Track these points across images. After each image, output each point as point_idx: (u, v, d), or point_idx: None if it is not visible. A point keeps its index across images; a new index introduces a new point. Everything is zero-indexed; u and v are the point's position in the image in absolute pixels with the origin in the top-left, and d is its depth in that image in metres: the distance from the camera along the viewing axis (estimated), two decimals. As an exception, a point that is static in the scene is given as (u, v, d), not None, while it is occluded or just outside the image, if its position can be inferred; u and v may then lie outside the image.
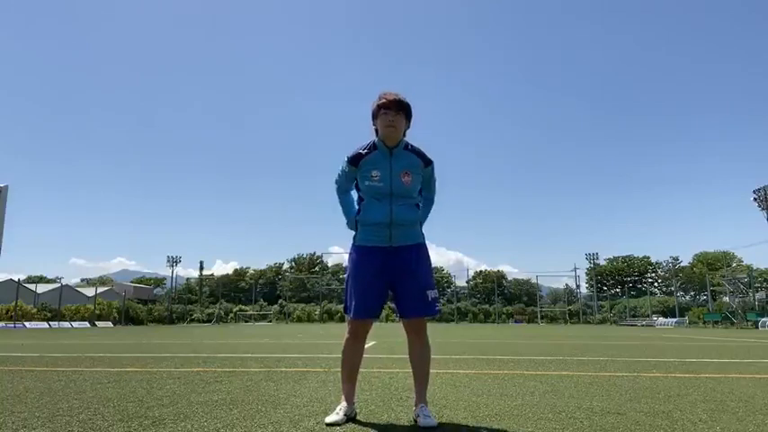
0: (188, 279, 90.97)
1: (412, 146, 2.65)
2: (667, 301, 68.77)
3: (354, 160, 2.60)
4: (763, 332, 26.99)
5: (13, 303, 42.87)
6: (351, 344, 2.64)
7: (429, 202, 2.81)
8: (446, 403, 3.05)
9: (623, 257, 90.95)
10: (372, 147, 2.61)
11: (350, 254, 2.66)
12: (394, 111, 2.54)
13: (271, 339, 13.54)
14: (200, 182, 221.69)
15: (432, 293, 2.56)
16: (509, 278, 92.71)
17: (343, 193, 2.74)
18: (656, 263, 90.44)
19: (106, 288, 68.44)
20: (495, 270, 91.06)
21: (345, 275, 2.70)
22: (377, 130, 2.62)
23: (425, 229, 2.77)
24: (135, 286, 79.28)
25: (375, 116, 2.60)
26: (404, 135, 2.63)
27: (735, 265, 74.36)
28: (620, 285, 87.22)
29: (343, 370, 2.65)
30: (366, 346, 2.75)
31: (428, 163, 2.65)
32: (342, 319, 64.41)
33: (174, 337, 15.08)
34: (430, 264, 2.66)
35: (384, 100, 2.56)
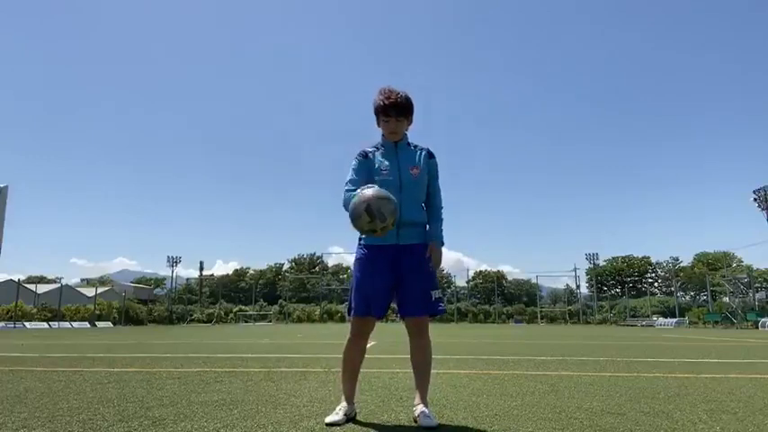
0: (188, 279, 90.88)
1: (414, 144, 2.72)
2: (667, 301, 68.70)
3: (365, 154, 2.67)
4: (763, 332, 27.00)
5: (13, 303, 42.88)
6: (353, 344, 2.63)
7: (437, 213, 2.68)
8: (446, 403, 3.05)
9: (623, 257, 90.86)
10: (378, 146, 2.70)
11: (356, 253, 2.64)
12: (394, 118, 2.60)
13: (271, 339, 13.54)
14: (200, 182, 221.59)
15: (435, 293, 2.56)
16: (509, 278, 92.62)
17: (352, 187, 2.54)
18: (656, 263, 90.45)
19: (106, 288, 68.43)
20: (495, 270, 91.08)
21: (352, 274, 2.67)
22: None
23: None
24: (135, 286, 79.28)
25: (377, 115, 2.66)
26: (407, 129, 2.70)
27: (735, 265, 74.31)
28: (621, 285, 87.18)
29: (344, 370, 2.64)
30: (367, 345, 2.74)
31: (431, 155, 2.71)
32: (342, 320, 64.30)
33: (174, 338, 15.08)
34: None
35: (383, 103, 2.58)
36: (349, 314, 2.62)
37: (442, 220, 2.70)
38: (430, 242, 2.62)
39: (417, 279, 2.55)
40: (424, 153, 2.68)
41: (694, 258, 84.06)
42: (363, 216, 2.31)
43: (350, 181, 2.61)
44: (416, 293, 2.54)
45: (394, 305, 2.65)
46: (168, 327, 43.08)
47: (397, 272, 2.55)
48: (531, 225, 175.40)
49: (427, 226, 2.69)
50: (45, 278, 75.57)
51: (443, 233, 2.67)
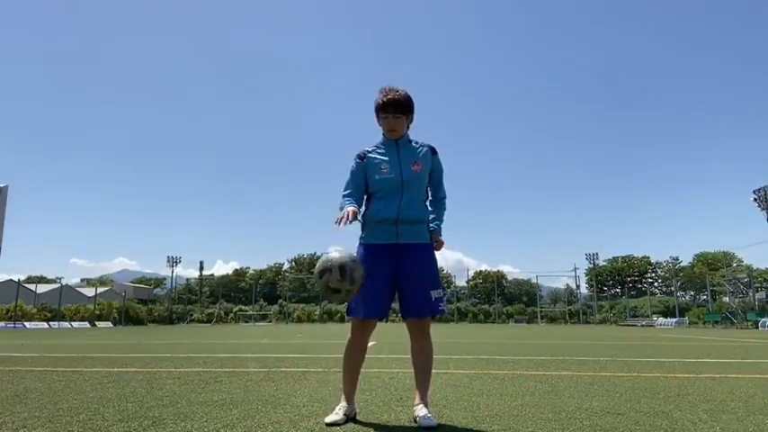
0: (188, 279, 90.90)
1: (416, 141, 2.71)
2: (667, 301, 68.70)
3: (362, 155, 2.66)
4: (763, 332, 26.98)
5: (13, 303, 42.89)
6: (353, 345, 2.62)
7: (441, 202, 2.76)
8: (446, 403, 3.05)
9: (623, 257, 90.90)
10: (379, 144, 2.69)
11: (357, 252, 2.60)
12: (392, 115, 2.58)
13: (271, 339, 13.54)
14: (200, 182, 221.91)
15: (435, 293, 2.54)
16: (509, 278, 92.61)
17: (347, 192, 2.62)
18: (656, 263, 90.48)
19: (106, 288, 68.44)
20: (495, 270, 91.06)
21: None
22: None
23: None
24: (135, 286, 79.34)
25: (377, 113, 2.64)
26: (407, 128, 2.68)
27: (735, 265, 74.32)
28: (621, 285, 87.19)
29: (345, 370, 2.64)
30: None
31: (434, 151, 2.69)
32: (341, 320, 64.26)
33: (174, 337, 15.08)
34: (436, 264, 2.65)
35: (382, 101, 2.57)
36: (348, 314, 2.61)
37: (445, 207, 2.77)
38: (432, 229, 2.66)
39: (418, 279, 2.53)
40: (425, 149, 2.66)
41: (694, 258, 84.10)
42: (335, 271, 2.26)
43: (345, 188, 2.64)
44: (417, 294, 2.52)
45: (395, 305, 2.65)
46: (168, 327, 43.10)
47: (398, 272, 2.53)
48: (531, 225, 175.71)
49: (430, 224, 2.68)
50: (45, 278, 75.58)
51: (443, 222, 2.74)
